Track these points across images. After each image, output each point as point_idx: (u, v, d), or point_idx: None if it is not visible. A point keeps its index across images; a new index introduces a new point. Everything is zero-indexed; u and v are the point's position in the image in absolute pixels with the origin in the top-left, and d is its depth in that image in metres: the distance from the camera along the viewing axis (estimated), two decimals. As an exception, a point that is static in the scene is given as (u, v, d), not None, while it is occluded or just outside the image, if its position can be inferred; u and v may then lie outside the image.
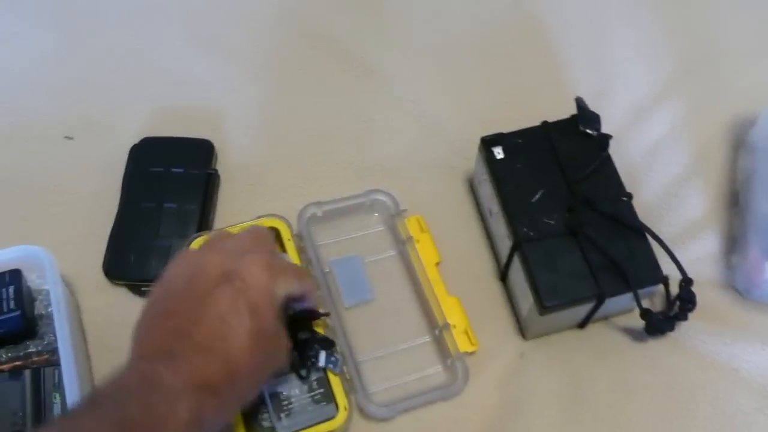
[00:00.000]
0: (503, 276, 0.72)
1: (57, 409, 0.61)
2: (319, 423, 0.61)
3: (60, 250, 0.66)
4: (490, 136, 0.71)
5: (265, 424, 0.61)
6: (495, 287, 0.73)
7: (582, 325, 0.70)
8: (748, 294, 0.72)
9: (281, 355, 0.55)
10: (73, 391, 0.59)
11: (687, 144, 0.81)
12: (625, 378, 0.68)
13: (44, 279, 0.66)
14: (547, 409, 0.67)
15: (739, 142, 0.80)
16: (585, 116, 0.71)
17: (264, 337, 0.52)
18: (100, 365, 0.67)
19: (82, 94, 0.82)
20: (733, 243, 0.75)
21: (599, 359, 0.70)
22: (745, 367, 0.69)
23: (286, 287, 0.55)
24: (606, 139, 0.70)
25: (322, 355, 0.63)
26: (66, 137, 0.79)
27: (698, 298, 0.66)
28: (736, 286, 0.72)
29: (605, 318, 0.71)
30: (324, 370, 0.62)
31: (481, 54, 0.86)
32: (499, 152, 0.70)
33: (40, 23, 0.86)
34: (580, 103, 0.72)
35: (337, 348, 0.63)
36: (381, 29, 0.88)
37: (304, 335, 0.63)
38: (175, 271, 0.54)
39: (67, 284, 0.69)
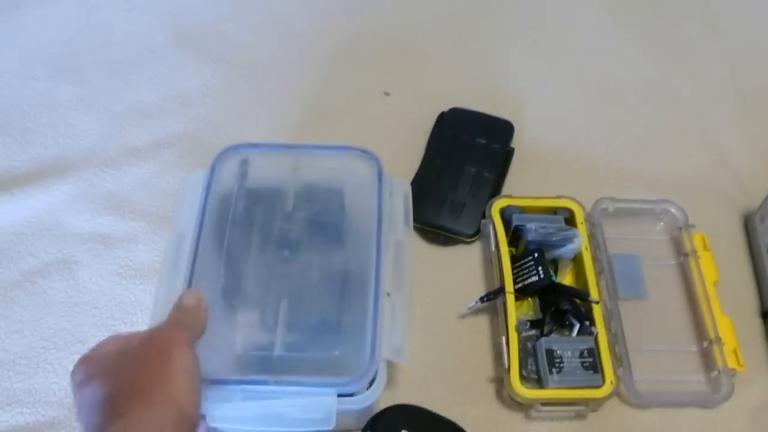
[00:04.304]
0: (767, 314, 0.73)
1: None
2: (585, 387, 0.64)
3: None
4: (793, 175, 0.73)
5: (532, 375, 0.66)
6: (754, 322, 0.75)
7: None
8: None
9: None
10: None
11: None
12: None
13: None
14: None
15: None
16: None
17: None
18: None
19: (403, 58, 0.92)
20: None
21: None
22: None
23: None
24: None
25: (576, 328, 0.67)
26: (384, 93, 0.89)
27: None
28: None
29: None
30: (596, 342, 0.66)
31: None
32: (797, 193, 0.72)
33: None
34: None
35: (594, 326, 0.67)
36: (681, 55, 0.93)
37: (565, 306, 0.68)
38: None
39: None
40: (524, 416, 0.67)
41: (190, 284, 0.60)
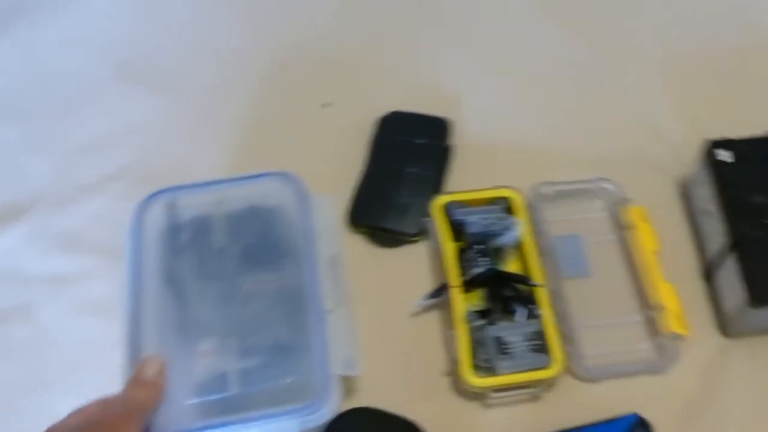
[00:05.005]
0: (708, 275, 0.76)
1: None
2: (534, 369, 0.67)
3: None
4: (719, 139, 0.76)
5: (483, 364, 0.68)
6: (698, 286, 0.77)
7: (786, 330, 0.73)
8: None
9: None
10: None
11: None
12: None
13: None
14: (746, 400, 0.70)
15: None
16: (817, 131, 0.74)
17: None
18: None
19: (339, 68, 0.94)
20: None
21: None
22: None
23: None
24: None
25: (518, 312, 0.70)
26: (324, 104, 0.91)
27: None
28: None
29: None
30: (543, 324, 0.69)
31: (707, 66, 0.91)
32: (724, 155, 0.75)
33: (310, 7, 0.99)
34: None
35: (539, 309, 0.70)
36: (609, 33, 0.96)
37: (507, 293, 0.71)
38: None
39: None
40: (481, 405, 0.69)
41: (138, 347, 0.63)
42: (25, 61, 0.96)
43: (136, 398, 0.58)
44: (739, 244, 0.70)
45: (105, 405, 0.57)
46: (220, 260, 0.71)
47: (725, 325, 0.74)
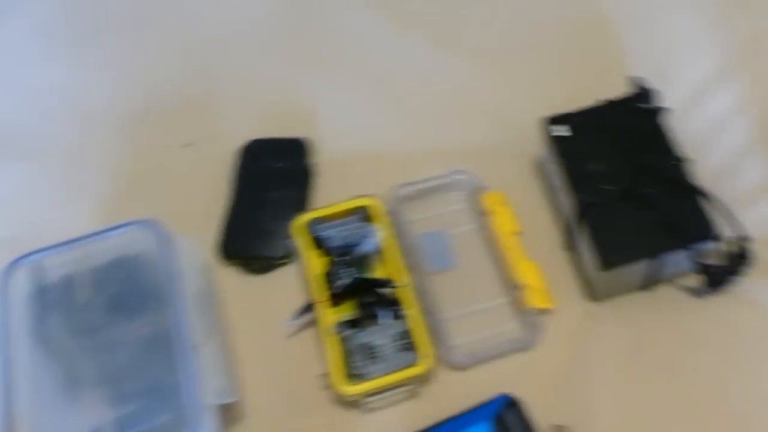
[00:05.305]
0: (569, 245, 0.79)
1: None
2: (403, 369, 0.69)
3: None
4: (554, 115, 0.79)
5: (355, 371, 0.70)
6: (562, 258, 0.80)
7: (646, 286, 0.76)
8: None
9: None
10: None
11: (750, 118, 0.86)
12: (689, 332, 0.74)
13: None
14: (613, 360, 0.73)
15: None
16: (643, 93, 0.78)
17: None
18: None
19: (199, 107, 0.95)
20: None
21: (663, 317, 0.75)
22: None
23: None
24: (664, 112, 0.77)
25: (381, 316, 0.72)
26: (183, 145, 0.92)
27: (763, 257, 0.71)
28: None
29: (669, 281, 0.77)
30: (410, 323, 0.71)
31: (543, 46, 0.95)
32: (561, 130, 0.78)
33: (161, 51, 1.00)
34: (637, 81, 0.79)
35: (403, 309, 0.72)
36: (443, 34, 0.98)
37: (369, 299, 0.73)
38: None
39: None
40: (361, 411, 0.71)
41: (11, 415, 0.63)
42: None
43: None
44: (582, 212, 0.73)
45: None
46: (87, 314, 0.72)
47: (590, 292, 0.77)
